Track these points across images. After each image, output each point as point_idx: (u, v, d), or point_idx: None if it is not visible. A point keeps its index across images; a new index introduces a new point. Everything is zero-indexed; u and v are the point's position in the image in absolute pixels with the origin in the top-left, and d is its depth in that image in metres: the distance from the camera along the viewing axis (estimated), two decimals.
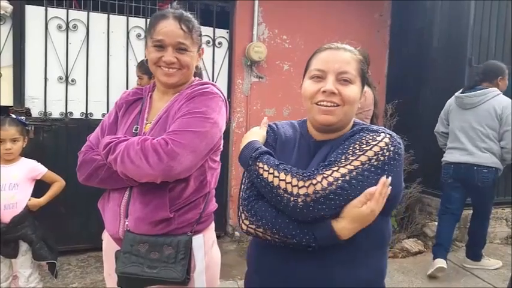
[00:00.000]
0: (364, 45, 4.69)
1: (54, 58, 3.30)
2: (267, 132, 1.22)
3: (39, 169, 2.56)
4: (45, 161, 3.23)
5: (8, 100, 3.21)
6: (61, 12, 3.30)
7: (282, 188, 1.00)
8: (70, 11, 3.32)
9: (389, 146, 1.02)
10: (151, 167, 1.18)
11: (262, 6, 3.89)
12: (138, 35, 3.53)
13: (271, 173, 1.02)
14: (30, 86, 3.26)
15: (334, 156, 1.02)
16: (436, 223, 4.03)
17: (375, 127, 1.09)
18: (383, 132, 1.06)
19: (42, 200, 2.52)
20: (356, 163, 0.98)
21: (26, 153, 3.06)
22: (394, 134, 1.07)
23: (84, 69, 3.39)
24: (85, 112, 3.42)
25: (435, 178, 4.09)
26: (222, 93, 1.38)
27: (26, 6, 3.19)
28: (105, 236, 1.45)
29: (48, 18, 3.25)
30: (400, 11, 4.43)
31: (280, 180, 1.00)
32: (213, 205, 1.44)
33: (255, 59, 3.80)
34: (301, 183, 0.98)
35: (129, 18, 3.49)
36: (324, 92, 1.06)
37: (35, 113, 3.28)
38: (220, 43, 3.87)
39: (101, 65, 3.44)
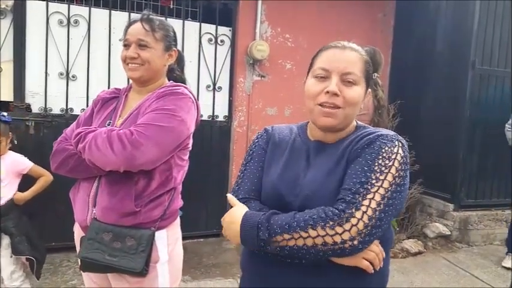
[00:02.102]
0: (367, 46, 4.63)
1: (55, 53, 3.27)
2: (261, 134, 1.21)
3: (25, 163, 2.53)
4: (45, 157, 3.21)
5: (8, 95, 3.18)
6: (62, 7, 3.26)
7: (320, 244, 0.91)
8: (71, 6, 3.29)
9: (405, 158, 1.01)
10: (115, 155, 1.25)
11: (266, 4, 3.86)
12: None
13: (297, 238, 0.93)
14: (30, 82, 3.23)
15: (362, 175, 0.96)
16: (437, 224, 4.04)
17: (384, 131, 1.06)
18: (395, 139, 1.03)
19: (27, 193, 2.49)
20: (385, 184, 0.95)
21: (25, 149, 3.05)
22: (402, 140, 1.04)
23: (85, 65, 3.36)
24: (85, 108, 3.38)
25: (436, 179, 4.09)
26: (193, 95, 1.46)
27: (27, 0, 3.16)
28: (76, 227, 1.50)
29: (49, 13, 3.22)
30: (404, 11, 4.41)
31: (313, 238, 0.92)
32: (178, 202, 1.50)
33: (257, 58, 3.78)
34: (339, 229, 0.90)
35: (131, 14, 3.45)
36: (327, 92, 1.02)
37: (35, 109, 3.26)
38: (222, 41, 3.84)
39: (102, 61, 3.42)
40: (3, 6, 3.07)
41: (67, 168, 1.40)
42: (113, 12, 3.41)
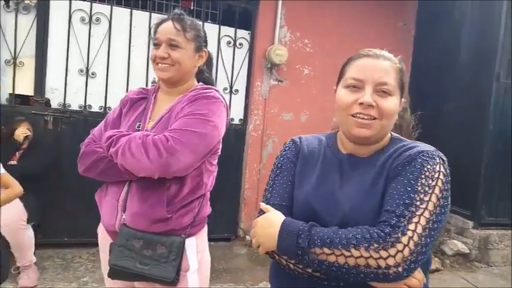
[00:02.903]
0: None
1: (76, 50, 3.31)
2: (289, 147, 1.15)
3: None
4: (62, 152, 3.26)
5: (28, 90, 3.24)
6: (85, 5, 3.31)
7: (363, 265, 0.87)
8: (94, 4, 3.33)
9: (447, 177, 0.96)
10: (150, 162, 1.21)
11: (285, 8, 3.84)
12: None
13: (339, 255, 0.88)
14: (51, 77, 3.27)
15: (405, 196, 0.92)
16: (455, 241, 3.92)
17: (424, 147, 1.00)
18: (436, 155, 0.97)
19: None
20: (430, 207, 0.91)
21: (43, 143, 3.08)
22: (443, 157, 0.99)
23: (104, 63, 3.39)
24: (104, 106, 3.42)
25: (455, 194, 3.97)
26: (224, 99, 1.43)
27: None
28: (101, 230, 1.47)
29: (72, 11, 3.27)
30: (425, 21, 4.33)
31: (356, 258, 0.87)
32: (207, 209, 1.47)
33: (275, 62, 3.76)
34: (384, 254, 0.86)
35: (152, 14, 3.48)
36: (360, 104, 0.98)
37: (54, 104, 3.30)
38: (241, 44, 3.83)
39: (121, 59, 3.44)
40: (26, 1, 3.13)
41: (96, 172, 1.36)
42: (134, 11, 3.44)
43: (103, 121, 1.50)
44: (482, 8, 3.84)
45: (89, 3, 3.30)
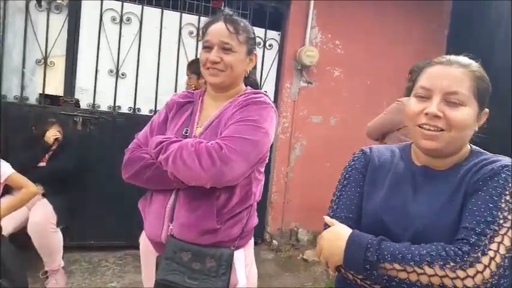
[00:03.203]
0: (419, 57, 4.47)
1: (106, 50, 3.27)
2: (358, 157, 1.11)
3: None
4: (91, 153, 3.22)
5: (58, 90, 3.20)
6: (116, 4, 3.26)
7: (437, 285, 0.81)
8: (125, 3, 3.28)
9: None
10: (204, 170, 1.15)
11: (317, 9, 3.75)
12: (191, 32, 3.46)
13: (411, 272, 0.83)
14: (81, 77, 3.23)
15: (487, 213, 0.86)
16: None
17: (506, 160, 0.94)
18: None
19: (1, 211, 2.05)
20: None
21: (72, 144, 3.03)
22: None
23: (135, 64, 3.34)
24: (133, 107, 3.36)
25: None
26: (273, 104, 1.38)
27: None
28: (143, 239, 1.41)
29: (103, 10, 3.22)
30: (459, 21, 4.21)
31: (429, 276, 0.82)
32: (255, 220, 1.41)
33: (306, 63, 3.67)
34: (462, 274, 0.80)
35: (183, 14, 3.42)
36: (426, 114, 0.93)
37: (83, 105, 3.25)
38: (270, 45, 3.75)
39: (151, 60, 3.39)
40: (59, 1, 3.09)
41: (142, 179, 1.30)
42: (164, 11, 3.38)
43: (148, 125, 1.43)
44: None
45: (120, 2, 3.25)
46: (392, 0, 3.91)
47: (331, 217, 1.03)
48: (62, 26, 3.13)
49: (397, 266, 0.84)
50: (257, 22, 3.68)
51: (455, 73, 0.95)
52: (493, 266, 0.80)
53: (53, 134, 2.82)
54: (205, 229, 1.24)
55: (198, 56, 3.32)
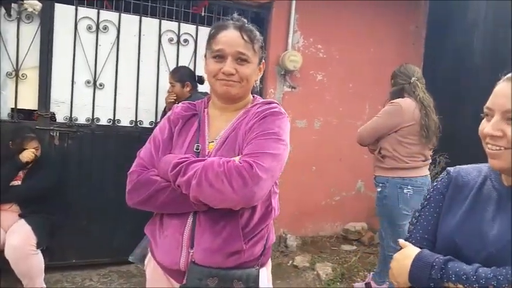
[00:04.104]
0: (399, 58, 4.50)
1: (82, 60, 3.12)
2: (442, 177, 1.10)
3: None
4: (69, 168, 3.07)
5: (32, 104, 3.03)
6: (91, 12, 3.12)
7: None
8: (101, 11, 3.14)
9: None
10: (235, 192, 1.07)
11: (299, 13, 3.72)
12: (171, 39, 3.35)
13: None
14: (56, 89, 3.07)
15: None
16: None
17: None
18: None
19: None
20: None
21: (49, 160, 2.88)
22: None
23: (113, 73, 3.21)
24: (112, 119, 3.23)
25: None
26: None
27: (56, 4, 3.01)
28: (152, 265, 1.30)
29: (78, 18, 3.08)
30: (437, 22, 4.27)
31: None
32: (273, 235, 1.35)
33: (289, 68, 3.63)
34: None
35: (162, 21, 3.31)
36: (486, 133, 0.94)
37: (60, 118, 3.10)
38: None
39: (130, 69, 3.26)
40: (30, 10, 2.93)
41: (155, 204, 1.20)
42: (143, 18, 3.26)
43: (150, 142, 1.31)
44: (497, 9, 3.78)
45: (96, 10, 3.11)
46: (371, 1, 3.92)
47: (408, 238, 1.06)
48: (34, 36, 2.97)
49: (461, 286, 0.86)
50: None
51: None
52: None
53: (28, 155, 2.64)
54: (231, 251, 1.17)
55: (181, 65, 3.27)
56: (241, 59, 1.22)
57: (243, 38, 1.23)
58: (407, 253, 0.97)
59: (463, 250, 0.94)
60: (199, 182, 1.09)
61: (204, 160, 1.15)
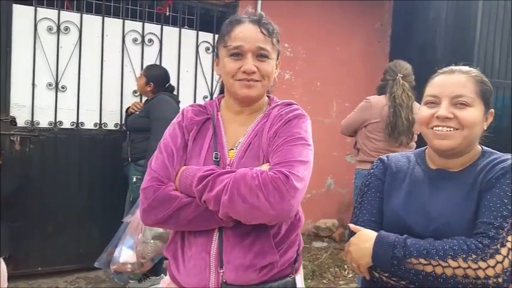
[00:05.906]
0: (365, 55, 4.60)
1: (43, 63, 3.04)
2: (376, 165, 1.19)
3: None
4: (32, 174, 2.99)
5: None
6: (52, 13, 3.04)
7: (460, 276, 0.90)
8: (62, 12, 3.07)
9: None
10: (272, 207, 0.98)
11: (264, 11, 3.71)
12: (135, 40, 3.31)
13: (436, 265, 0.91)
14: (16, 93, 2.97)
15: (503, 208, 0.94)
16: None
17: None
18: None
19: None
20: None
21: (10, 166, 2.80)
22: None
23: (75, 75, 3.14)
24: (76, 122, 3.16)
25: None
26: None
27: (14, 5, 2.92)
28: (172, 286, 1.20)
29: (37, 19, 2.99)
30: (401, 21, 4.38)
31: (453, 268, 0.90)
32: (302, 241, 1.27)
33: None
34: (483, 264, 0.88)
35: (125, 21, 3.27)
36: (437, 117, 1.03)
37: (20, 122, 3.01)
38: None
39: (94, 70, 3.20)
40: None
41: (178, 223, 1.08)
42: (106, 19, 3.20)
43: (161, 152, 1.16)
44: (458, 7, 3.91)
45: (56, 11, 3.03)
46: (336, 0, 3.98)
47: (355, 222, 1.11)
48: None
49: (422, 260, 0.92)
50: (205, 27, 3.60)
51: (458, 79, 1.05)
52: (511, 256, 0.89)
53: None
54: (265, 265, 1.08)
55: (148, 63, 3.22)
56: (261, 55, 1.12)
57: (262, 32, 1.12)
58: (366, 236, 1.02)
59: (412, 227, 1.02)
60: (231, 198, 0.99)
61: (233, 172, 1.04)
